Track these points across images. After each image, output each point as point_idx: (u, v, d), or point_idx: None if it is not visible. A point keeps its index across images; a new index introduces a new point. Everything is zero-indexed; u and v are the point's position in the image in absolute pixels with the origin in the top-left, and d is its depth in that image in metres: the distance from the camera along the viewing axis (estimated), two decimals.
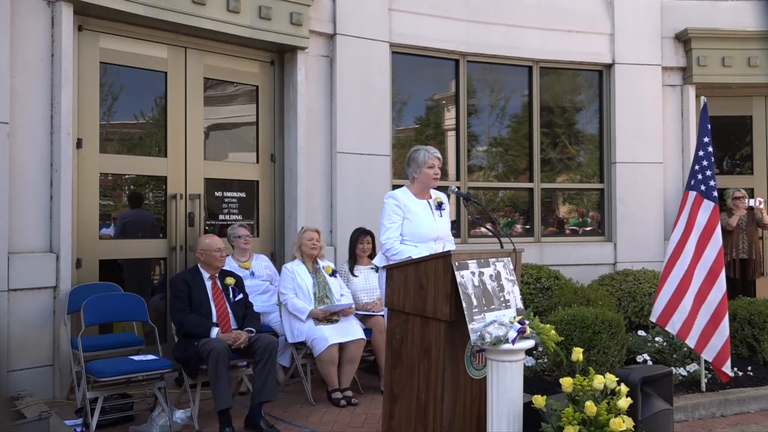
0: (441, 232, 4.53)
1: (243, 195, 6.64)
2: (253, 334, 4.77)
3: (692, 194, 5.35)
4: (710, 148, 5.36)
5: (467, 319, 3.42)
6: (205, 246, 4.97)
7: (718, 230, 5.20)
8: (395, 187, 5.00)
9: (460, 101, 7.72)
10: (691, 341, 5.15)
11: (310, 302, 5.42)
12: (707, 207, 5.22)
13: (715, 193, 5.27)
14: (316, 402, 5.28)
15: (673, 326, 5.22)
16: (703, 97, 5.83)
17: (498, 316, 3.52)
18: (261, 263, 5.99)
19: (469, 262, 3.57)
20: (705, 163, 5.33)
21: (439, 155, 4.55)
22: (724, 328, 5.01)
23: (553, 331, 3.56)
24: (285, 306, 5.45)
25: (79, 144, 5.58)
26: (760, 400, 5.26)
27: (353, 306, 5.58)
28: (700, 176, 5.33)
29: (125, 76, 5.96)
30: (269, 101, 6.80)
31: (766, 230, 7.89)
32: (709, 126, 5.43)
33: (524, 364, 3.72)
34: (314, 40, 6.75)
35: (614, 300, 6.59)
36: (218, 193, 6.48)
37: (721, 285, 5.06)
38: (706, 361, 5.46)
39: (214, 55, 6.39)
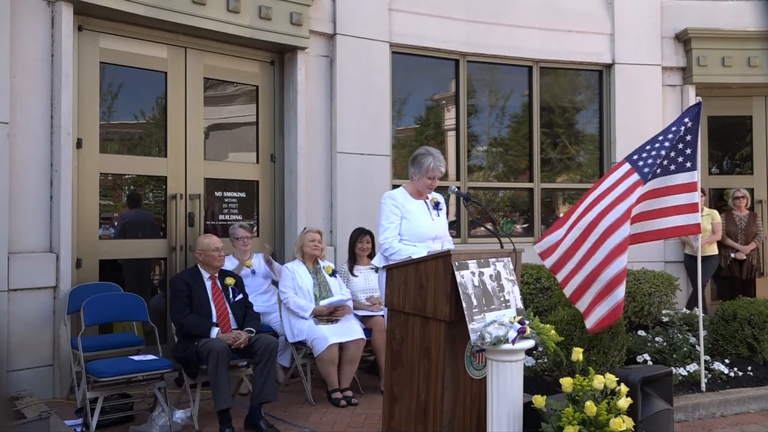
0: (439, 231, 4.54)
1: (243, 195, 6.64)
2: (253, 334, 4.77)
3: (626, 166, 5.12)
4: (675, 142, 5.12)
5: (467, 319, 3.42)
6: (203, 246, 4.97)
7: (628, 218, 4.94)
8: (395, 187, 5.00)
9: (460, 101, 7.72)
10: (580, 306, 5.00)
11: (311, 302, 5.43)
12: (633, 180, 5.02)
13: (648, 174, 5.03)
14: (316, 402, 5.28)
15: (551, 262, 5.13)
16: (698, 97, 5.81)
17: (498, 316, 3.52)
18: (260, 261, 6.00)
19: (469, 262, 3.57)
20: (661, 144, 5.12)
21: (444, 168, 4.53)
22: (616, 296, 4.79)
23: (553, 331, 3.57)
24: (286, 304, 5.46)
25: (79, 144, 5.58)
26: (760, 400, 5.25)
27: (351, 302, 5.62)
28: (646, 156, 5.12)
29: (125, 76, 5.96)
30: (269, 101, 6.81)
31: (755, 241, 7.91)
32: (688, 121, 5.18)
33: (524, 364, 3.72)
34: (314, 40, 6.75)
35: None
36: (218, 193, 6.48)
37: (619, 264, 4.83)
38: (706, 361, 5.47)
39: (214, 55, 6.39)
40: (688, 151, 5.16)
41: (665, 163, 5.16)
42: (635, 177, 5.01)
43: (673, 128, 5.21)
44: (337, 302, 5.46)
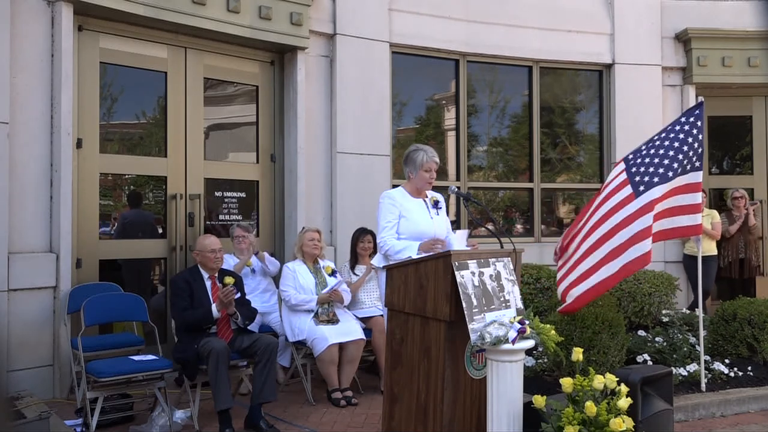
0: (438, 230, 4.54)
1: (243, 195, 6.64)
2: (235, 290, 4.76)
3: (623, 176, 5.04)
4: (677, 143, 5.09)
5: (467, 319, 3.42)
6: (201, 247, 4.97)
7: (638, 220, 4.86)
8: (395, 187, 5.02)
9: (460, 101, 7.72)
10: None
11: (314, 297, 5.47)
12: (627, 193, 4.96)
13: (642, 188, 4.92)
14: (316, 402, 5.28)
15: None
16: (700, 97, 5.80)
17: (498, 316, 3.52)
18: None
19: (469, 262, 3.57)
20: (660, 151, 5.07)
21: (437, 159, 4.55)
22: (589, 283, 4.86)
23: (553, 331, 3.57)
24: (288, 302, 5.46)
25: (79, 144, 5.58)
26: (760, 400, 5.25)
27: (348, 294, 5.64)
28: (643, 166, 5.05)
29: (125, 76, 5.96)
30: (269, 101, 6.80)
31: (751, 234, 7.89)
32: (695, 121, 5.16)
33: (524, 364, 3.72)
34: (314, 40, 6.75)
35: (614, 300, 6.58)
36: (218, 193, 6.48)
37: (606, 271, 4.82)
38: (706, 361, 5.47)
39: (214, 55, 6.39)
40: (700, 150, 5.16)
41: (685, 163, 5.10)
42: (628, 190, 4.93)
43: (673, 133, 5.16)
44: (336, 284, 5.51)
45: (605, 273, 4.83)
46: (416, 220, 4.47)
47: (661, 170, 5.03)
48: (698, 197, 5.12)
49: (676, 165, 5.07)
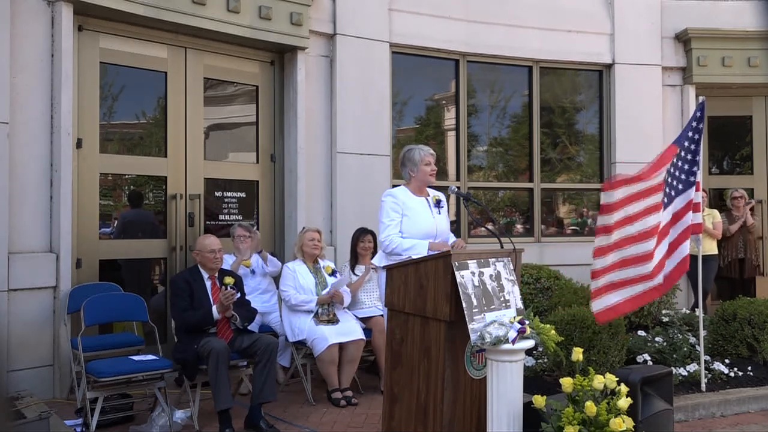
0: (440, 229, 4.56)
1: (243, 195, 6.64)
2: (236, 292, 4.77)
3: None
4: (695, 146, 5.11)
5: (467, 319, 3.42)
6: (201, 247, 4.97)
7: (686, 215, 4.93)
8: (395, 186, 5.02)
9: (460, 101, 7.72)
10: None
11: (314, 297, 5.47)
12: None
13: (692, 179, 4.99)
14: (316, 402, 5.28)
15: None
16: (701, 97, 5.79)
17: (498, 316, 3.53)
18: (259, 259, 5.99)
19: (469, 262, 3.57)
20: (689, 157, 5.07)
21: (433, 152, 4.61)
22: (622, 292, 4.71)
23: (553, 331, 3.57)
24: (288, 302, 5.46)
25: (79, 144, 5.58)
26: (760, 400, 5.25)
27: (349, 295, 5.62)
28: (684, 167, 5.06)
29: (125, 76, 5.96)
30: (269, 101, 6.80)
31: (750, 233, 7.89)
32: (699, 124, 5.16)
33: (524, 364, 3.73)
34: (314, 40, 6.75)
35: None
36: (218, 193, 6.48)
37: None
38: (706, 361, 5.47)
39: (214, 55, 6.39)
40: (699, 156, 5.13)
41: (683, 177, 5.02)
42: (658, 198, 4.83)
43: (689, 133, 5.14)
44: (336, 283, 5.49)
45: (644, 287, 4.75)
46: (419, 219, 4.48)
47: (682, 178, 5.01)
48: (688, 219, 5.04)
49: (695, 171, 5.04)
